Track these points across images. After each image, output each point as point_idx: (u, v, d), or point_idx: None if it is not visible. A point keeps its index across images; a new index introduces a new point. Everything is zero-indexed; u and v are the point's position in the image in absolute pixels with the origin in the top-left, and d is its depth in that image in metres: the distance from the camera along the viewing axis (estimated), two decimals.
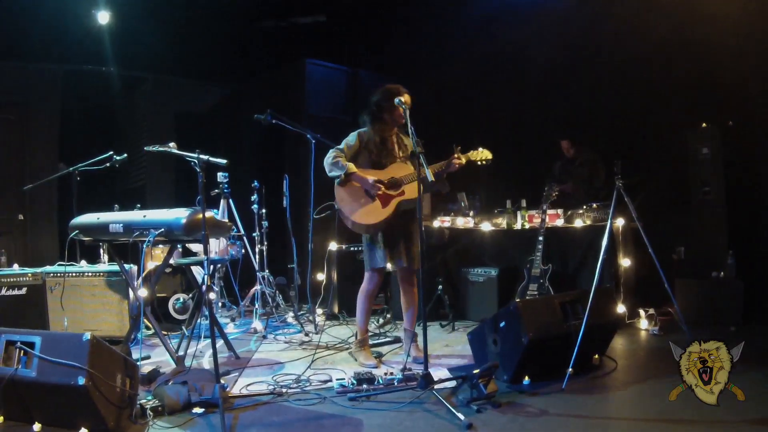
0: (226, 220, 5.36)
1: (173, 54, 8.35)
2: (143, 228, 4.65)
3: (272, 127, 6.64)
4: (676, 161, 7.26)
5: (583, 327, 4.49)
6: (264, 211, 7.25)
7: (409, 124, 4.62)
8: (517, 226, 7.05)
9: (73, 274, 6.08)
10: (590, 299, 4.63)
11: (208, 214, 4.36)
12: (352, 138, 5.21)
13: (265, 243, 7.21)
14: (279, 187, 7.23)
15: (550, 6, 8.01)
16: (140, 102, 9.06)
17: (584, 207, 6.67)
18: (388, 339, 6.06)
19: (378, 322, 6.79)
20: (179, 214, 4.53)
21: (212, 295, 6.52)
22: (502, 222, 7.21)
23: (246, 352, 5.76)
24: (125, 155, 6.74)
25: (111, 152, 6.65)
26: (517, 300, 4.76)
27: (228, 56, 9.06)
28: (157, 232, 4.48)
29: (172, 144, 5.12)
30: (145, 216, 4.75)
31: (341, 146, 5.18)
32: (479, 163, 5.13)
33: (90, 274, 6.10)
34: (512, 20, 8.27)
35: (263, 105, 6.47)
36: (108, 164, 6.66)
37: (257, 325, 6.62)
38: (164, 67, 8.72)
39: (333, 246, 7.48)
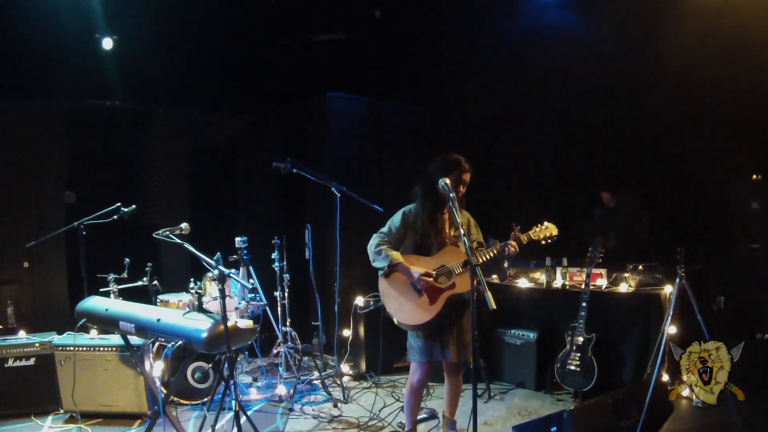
0: (248, 285, 4.93)
1: (183, 85, 7.88)
2: (157, 335, 4.24)
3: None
4: (720, 210, 6.91)
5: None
6: (284, 263, 6.80)
7: (455, 211, 4.08)
8: (557, 284, 6.60)
9: (84, 348, 5.65)
10: (648, 396, 4.42)
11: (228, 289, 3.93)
12: (397, 219, 4.75)
13: (286, 297, 6.76)
14: (301, 236, 6.85)
15: (585, 42, 7.41)
16: (151, 137, 8.58)
17: (629, 267, 6.24)
18: (423, 416, 5.67)
19: None
20: (200, 325, 4.04)
21: None
22: (540, 276, 6.78)
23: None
24: (134, 207, 6.33)
25: (118, 203, 6.27)
26: (571, 408, 4.39)
27: (243, 86, 8.57)
28: (174, 346, 4.07)
29: (184, 225, 4.87)
30: (159, 319, 4.27)
31: (385, 229, 4.75)
32: (543, 242, 4.61)
33: (102, 348, 5.65)
34: (543, 55, 7.78)
35: (283, 139, 6.01)
36: (116, 216, 6.28)
37: (281, 390, 6.28)
38: (174, 99, 8.24)
39: (359, 300, 7.04)
